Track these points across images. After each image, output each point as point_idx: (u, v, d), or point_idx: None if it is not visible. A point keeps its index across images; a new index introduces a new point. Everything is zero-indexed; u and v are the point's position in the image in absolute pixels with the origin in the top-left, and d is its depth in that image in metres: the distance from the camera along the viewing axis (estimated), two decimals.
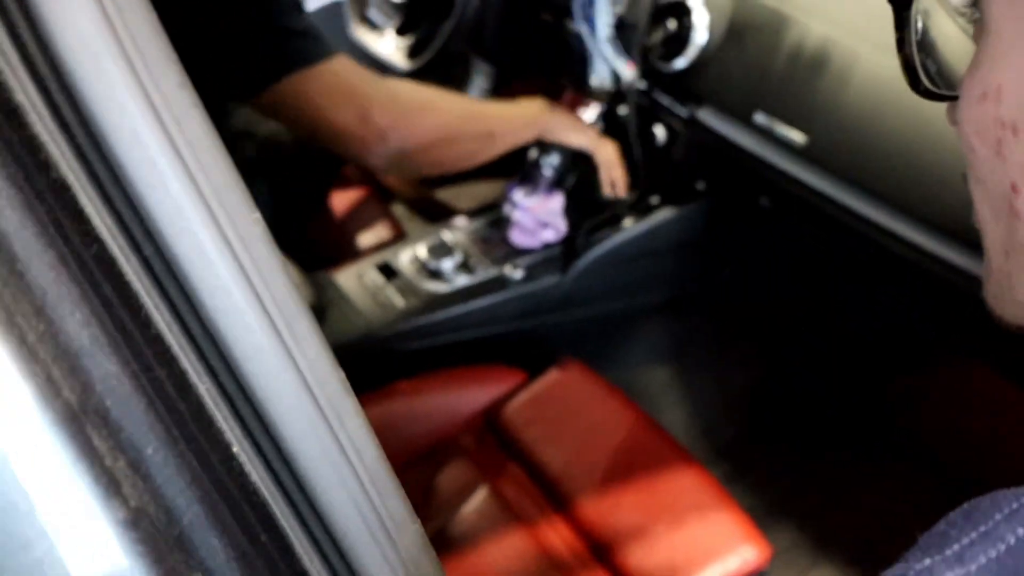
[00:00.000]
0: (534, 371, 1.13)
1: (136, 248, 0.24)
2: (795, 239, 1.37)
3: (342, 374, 0.29)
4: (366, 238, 1.40)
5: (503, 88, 1.91)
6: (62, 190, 0.21)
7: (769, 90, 1.07)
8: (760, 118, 1.08)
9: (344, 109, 0.90)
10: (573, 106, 1.47)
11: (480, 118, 1.08)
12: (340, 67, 0.91)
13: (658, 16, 1.19)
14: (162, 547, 0.20)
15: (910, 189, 0.94)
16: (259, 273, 0.27)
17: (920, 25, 0.34)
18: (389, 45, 1.48)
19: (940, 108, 0.36)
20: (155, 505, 0.20)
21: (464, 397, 1.11)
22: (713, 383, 1.52)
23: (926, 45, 0.35)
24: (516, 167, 1.35)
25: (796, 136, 1.04)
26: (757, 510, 1.33)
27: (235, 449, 0.23)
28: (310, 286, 1.12)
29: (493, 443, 1.09)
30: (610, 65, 1.21)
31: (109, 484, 0.20)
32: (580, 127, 1.19)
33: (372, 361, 1.16)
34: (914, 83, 0.35)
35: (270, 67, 0.87)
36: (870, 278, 1.31)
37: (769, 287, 1.46)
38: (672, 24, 1.17)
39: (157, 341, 0.22)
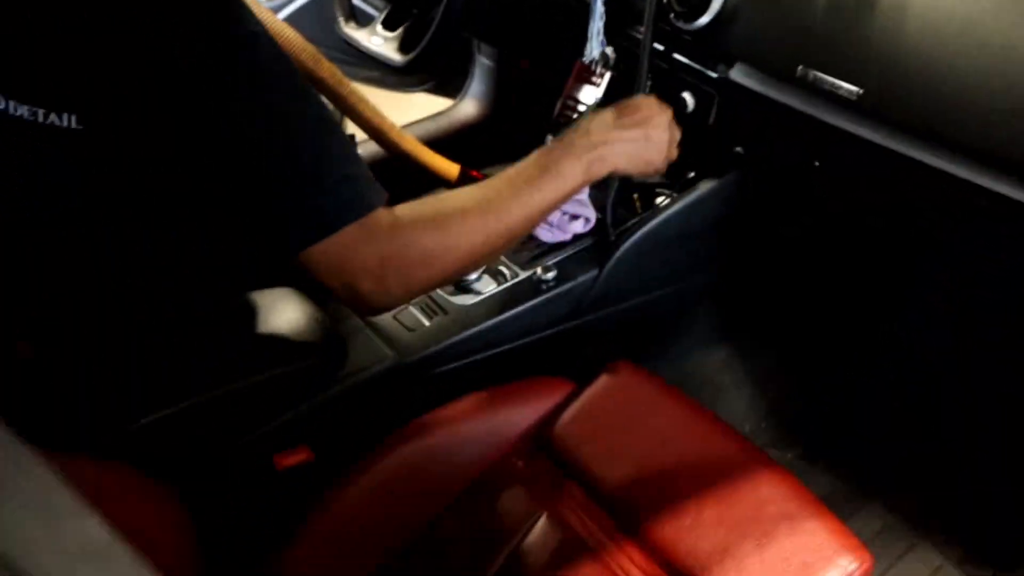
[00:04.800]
0: (582, 378, 1.05)
1: None
2: (852, 201, 1.27)
3: None
4: None
5: (511, 68, 1.83)
6: None
7: (811, 40, 0.96)
8: (804, 72, 0.97)
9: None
10: (583, 79, 1.38)
11: (505, 214, 0.83)
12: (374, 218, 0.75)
13: None
14: None
15: (994, 132, 0.83)
16: None
17: None
18: (379, 39, 1.37)
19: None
20: None
21: (509, 417, 1.02)
22: (773, 361, 1.43)
23: None
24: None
25: (848, 88, 0.93)
26: (839, 495, 1.24)
27: None
28: (327, 317, 1.03)
29: (546, 464, 0.99)
30: (598, 38, 1.13)
31: None
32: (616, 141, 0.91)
33: (405, 390, 1.08)
34: None
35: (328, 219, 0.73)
36: (944, 240, 1.20)
37: (824, 256, 1.37)
38: None
39: None
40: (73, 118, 0.69)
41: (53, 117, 0.69)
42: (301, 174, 0.71)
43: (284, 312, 1.00)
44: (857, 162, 1.00)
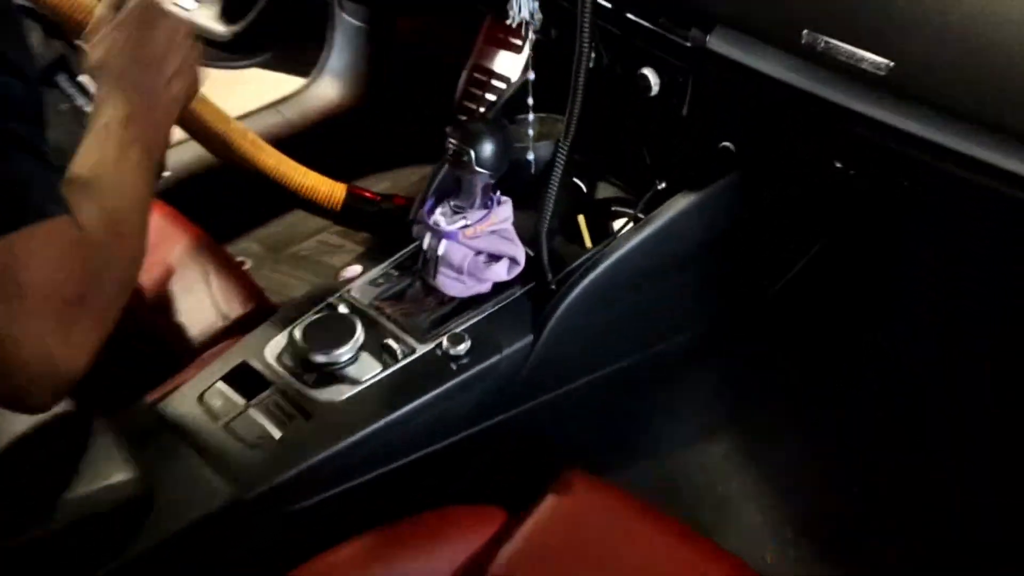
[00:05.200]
0: (518, 502, 1.07)
1: None
2: (885, 217, 1.34)
3: None
4: (196, 320, 1.32)
5: (389, 30, 1.87)
6: None
7: None
8: (811, 39, 1.02)
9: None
10: (497, 43, 1.43)
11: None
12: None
13: None
14: None
15: None
16: None
17: None
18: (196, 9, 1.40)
19: None
20: None
21: (415, 571, 1.04)
22: (801, 446, 1.49)
23: None
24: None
25: (872, 60, 0.98)
26: None
27: None
28: (119, 438, 1.03)
29: None
30: None
31: None
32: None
33: (249, 539, 1.09)
34: None
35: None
36: (932, 251, 1.34)
37: (852, 297, 1.47)
38: None
39: None
40: None
41: None
42: None
43: (48, 433, 1.00)
44: (888, 160, 1.06)
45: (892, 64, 0.97)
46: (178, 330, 1.31)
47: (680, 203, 1.26)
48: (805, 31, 1.02)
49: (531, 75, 1.20)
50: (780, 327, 1.51)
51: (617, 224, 1.31)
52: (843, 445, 1.51)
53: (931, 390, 1.55)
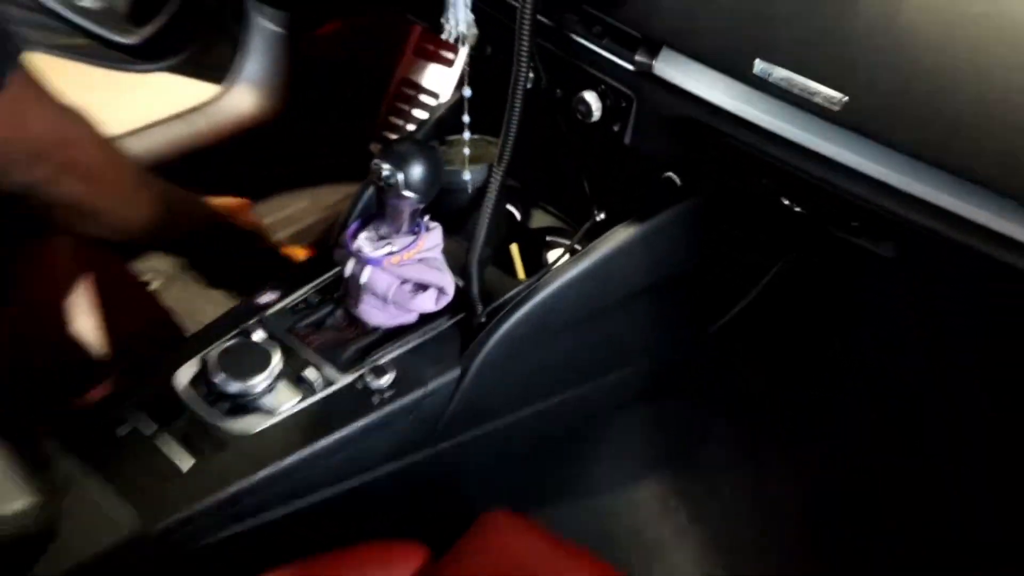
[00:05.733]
0: (441, 540, 1.12)
1: None
2: (839, 257, 1.42)
3: None
4: (98, 342, 1.33)
5: (309, 36, 1.89)
6: None
7: (775, 21, 1.05)
8: (765, 68, 1.07)
9: None
10: (428, 55, 1.42)
11: None
12: None
13: None
14: None
15: None
16: None
17: None
18: (90, 2, 1.41)
19: None
20: None
21: None
22: (733, 497, 1.55)
23: None
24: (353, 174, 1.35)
25: (827, 94, 1.03)
26: None
27: None
28: (13, 456, 1.03)
29: None
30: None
31: None
32: None
33: (154, 574, 1.11)
34: None
35: None
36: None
37: (804, 336, 1.54)
38: None
39: None
40: None
41: None
42: None
43: None
44: (839, 200, 1.11)
45: (847, 99, 1.01)
46: (78, 352, 1.31)
47: (620, 235, 1.29)
48: (758, 60, 1.06)
49: (467, 91, 1.23)
50: (728, 360, 1.57)
51: (552, 255, 1.36)
52: (823, 462, 1.61)
53: (905, 391, 1.66)
